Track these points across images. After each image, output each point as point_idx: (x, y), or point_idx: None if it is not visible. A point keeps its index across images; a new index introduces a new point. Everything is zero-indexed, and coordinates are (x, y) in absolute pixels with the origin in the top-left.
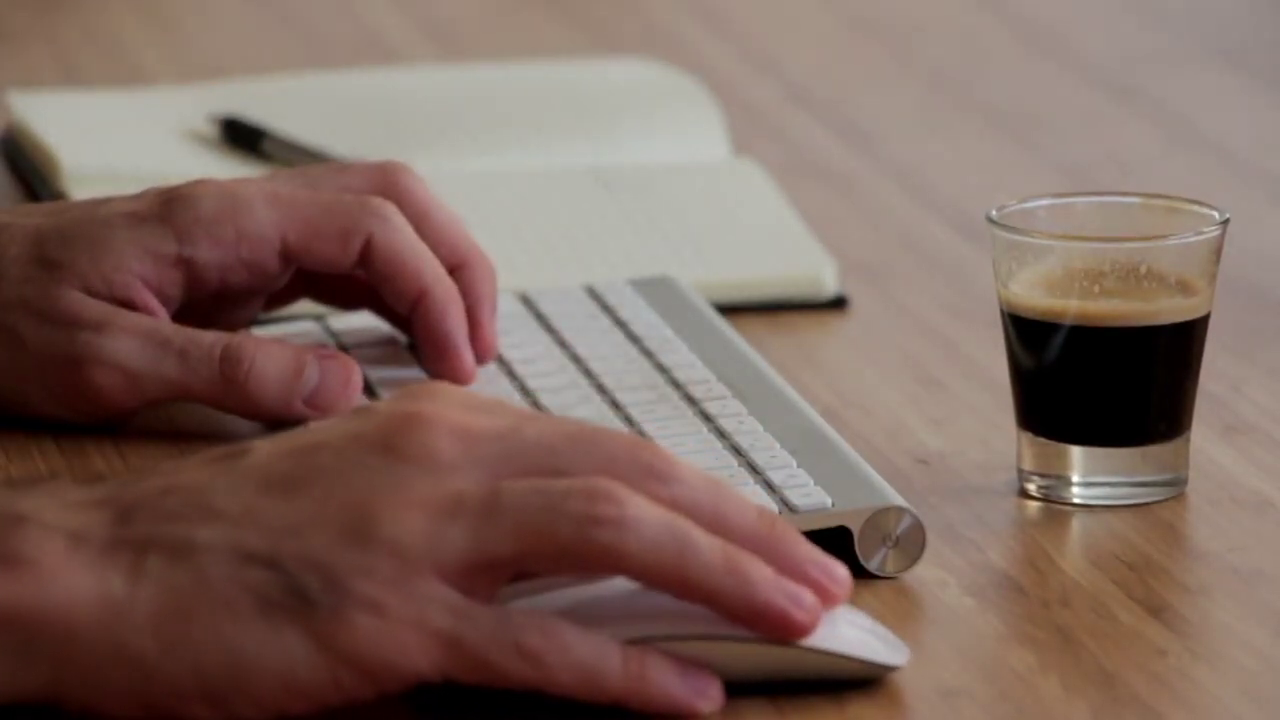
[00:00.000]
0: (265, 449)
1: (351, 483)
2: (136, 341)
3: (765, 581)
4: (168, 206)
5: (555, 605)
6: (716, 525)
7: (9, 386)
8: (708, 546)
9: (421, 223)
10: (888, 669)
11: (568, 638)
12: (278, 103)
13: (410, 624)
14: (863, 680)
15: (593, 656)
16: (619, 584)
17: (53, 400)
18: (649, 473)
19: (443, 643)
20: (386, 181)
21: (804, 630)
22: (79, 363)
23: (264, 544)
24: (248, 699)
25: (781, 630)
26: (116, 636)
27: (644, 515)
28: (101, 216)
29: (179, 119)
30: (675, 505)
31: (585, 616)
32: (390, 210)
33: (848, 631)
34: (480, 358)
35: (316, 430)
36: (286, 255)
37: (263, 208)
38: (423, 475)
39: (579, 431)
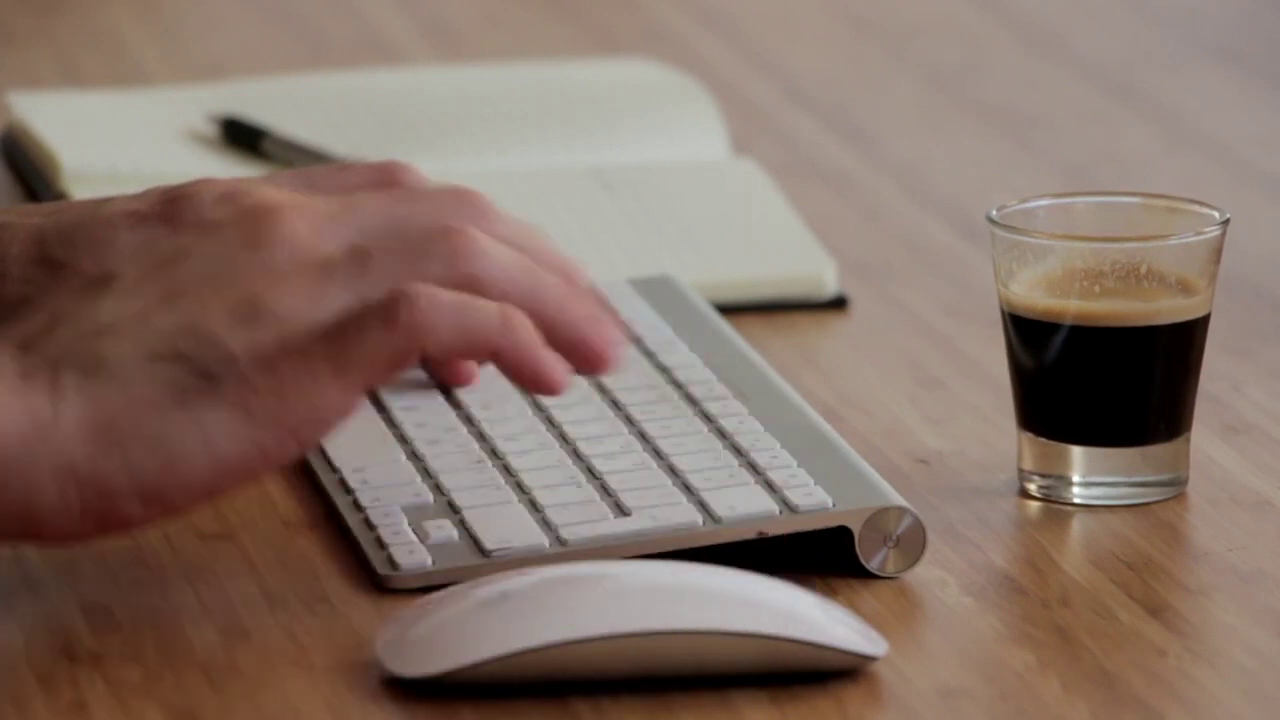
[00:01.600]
0: (131, 271)
1: (227, 277)
2: None
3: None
4: (170, 206)
5: (542, 601)
6: (536, 258)
7: None
8: (546, 268)
9: None
10: (869, 659)
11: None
12: (278, 103)
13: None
14: (852, 673)
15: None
16: (603, 581)
17: None
18: (477, 215)
19: (348, 365)
20: (387, 180)
21: (610, 360)
22: None
23: (165, 344)
24: (180, 488)
25: (594, 357)
26: (50, 453)
27: (491, 245)
28: (103, 216)
29: (179, 119)
30: (504, 241)
31: (572, 611)
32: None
33: (829, 626)
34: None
35: (172, 244)
36: None
37: None
38: (290, 254)
39: (407, 192)
